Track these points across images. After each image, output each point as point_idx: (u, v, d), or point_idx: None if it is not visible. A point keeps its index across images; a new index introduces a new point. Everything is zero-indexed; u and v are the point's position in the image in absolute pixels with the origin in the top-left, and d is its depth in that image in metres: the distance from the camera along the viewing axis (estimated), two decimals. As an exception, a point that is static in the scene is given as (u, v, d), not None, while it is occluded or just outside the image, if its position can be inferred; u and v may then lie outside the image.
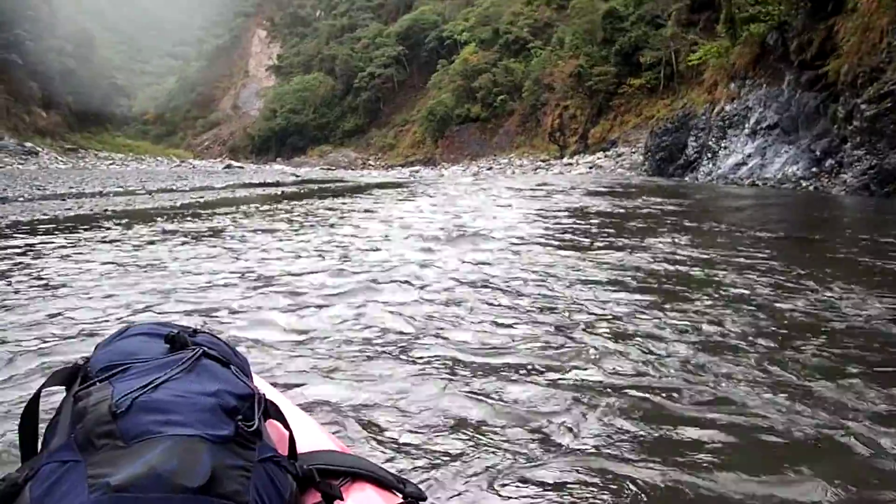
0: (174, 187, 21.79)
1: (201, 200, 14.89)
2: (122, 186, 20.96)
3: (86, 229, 8.61)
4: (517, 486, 1.87)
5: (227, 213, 11.29)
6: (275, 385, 1.87)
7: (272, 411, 1.01)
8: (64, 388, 0.97)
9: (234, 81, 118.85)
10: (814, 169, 21.68)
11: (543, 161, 50.23)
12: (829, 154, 21.38)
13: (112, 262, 5.78)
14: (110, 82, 78.22)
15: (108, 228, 8.68)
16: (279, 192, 18.69)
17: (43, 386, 0.99)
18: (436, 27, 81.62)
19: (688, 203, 13.99)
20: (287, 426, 1.04)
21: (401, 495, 1.03)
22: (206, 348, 1.00)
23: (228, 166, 51.50)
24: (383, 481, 1.05)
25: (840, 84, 17.64)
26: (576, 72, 51.52)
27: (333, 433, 1.66)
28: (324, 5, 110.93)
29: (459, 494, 1.83)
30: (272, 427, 1.00)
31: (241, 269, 5.44)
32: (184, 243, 7.14)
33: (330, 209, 12.33)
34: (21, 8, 55.90)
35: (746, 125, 25.20)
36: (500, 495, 1.83)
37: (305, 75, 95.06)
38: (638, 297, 4.33)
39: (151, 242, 7.27)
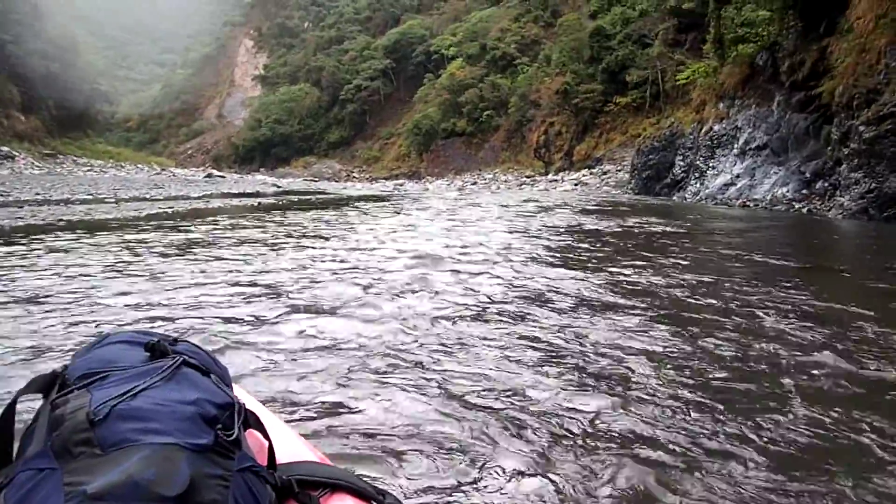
0: (147, 196, 20.78)
1: (170, 211, 13.93)
2: (91, 194, 19.90)
3: (23, 240, 7.65)
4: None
5: (192, 227, 10.36)
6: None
7: (252, 421, 0.98)
8: (41, 395, 0.93)
9: (219, 90, 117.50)
10: (804, 191, 21.19)
11: (528, 177, 49.71)
12: (820, 176, 20.90)
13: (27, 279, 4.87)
14: (93, 87, 76.70)
15: (47, 240, 7.71)
16: (255, 204, 17.76)
17: (20, 393, 0.94)
18: (423, 41, 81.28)
19: (682, 224, 13.29)
20: (267, 436, 1.01)
21: None
22: (186, 357, 0.97)
23: (209, 175, 50.35)
24: (362, 492, 1.03)
25: (835, 105, 17.12)
26: (562, 89, 51.18)
27: (314, 444, 1.47)
28: (312, 17, 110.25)
29: None
30: (252, 437, 0.98)
31: (162, 301, 4.44)
32: (120, 262, 6.21)
33: (303, 225, 11.45)
34: (4, 10, 54.52)
35: (735, 145, 24.72)
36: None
37: (291, 86, 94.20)
38: (649, 323, 3.99)
39: (84, 256, 6.35)
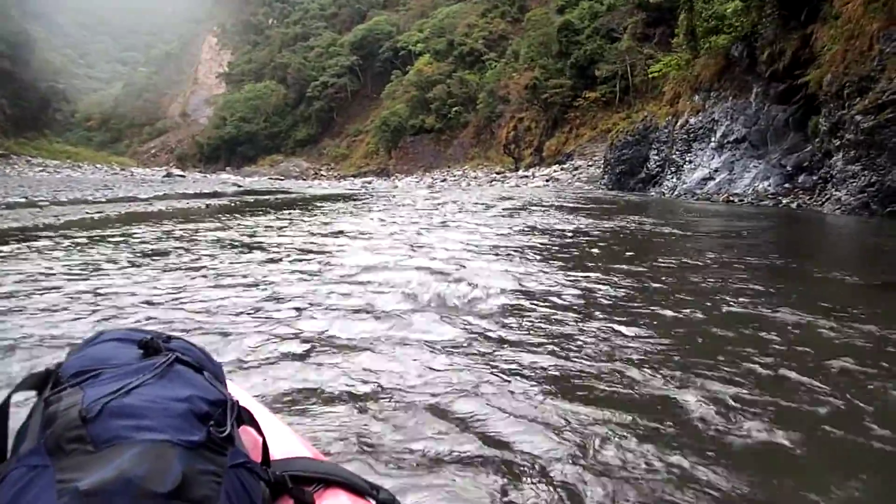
0: (90, 198, 18.84)
1: (97, 217, 12.12)
2: (26, 197, 17.88)
3: None
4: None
5: (114, 234, 8.66)
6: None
7: (246, 417, 0.97)
8: (35, 393, 0.92)
9: (182, 88, 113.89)
10: (786, 185, 20.16)
11: (498, 173, 48.39)
12: (802, 169, 19.89)
13: None
14: (50, 86, 73.19)
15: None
16: (205, 206, 15.93)
17: (13, 391, 0.93)
18: (390, 37, 79.46)
19: (670, 222, 11.98)
20: (261, 432, 1.00)
21: (374, 502, 1.01)
22: (179, 354, 0.96)
23: (168, 175, 47.88)
24: (357, 488, 1.01)
25: (822, 95, 16.00)
26: (531, 84, 49.95)
27: (308, 440, 1.44)
28: (276, 13, 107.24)
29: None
30: (245, 433, 0.98)
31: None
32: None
33: (253, 230, 9.81)
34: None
35: (713, 138, 23.62)
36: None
37: (257, 83, 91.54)
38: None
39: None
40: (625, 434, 2.28)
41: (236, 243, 7.84)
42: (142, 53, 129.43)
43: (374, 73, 78.99)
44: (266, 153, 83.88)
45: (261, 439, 0.99)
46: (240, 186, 32.99)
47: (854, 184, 13.34)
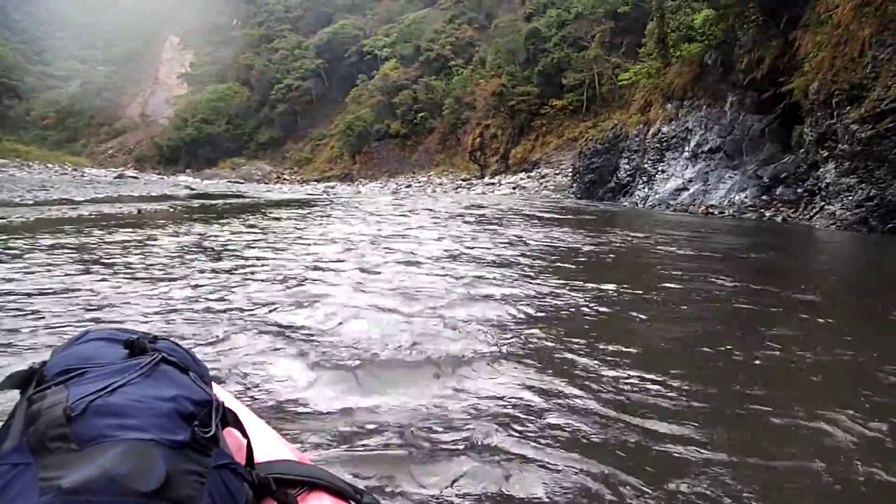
0: (17, 200, 16.75)
1: (6, 220, 10.19)
2: (-62, 197, 15.69)
3: None
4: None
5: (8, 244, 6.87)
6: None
7: (230, 419, 0.94)
8: (19, 391, 0.89)
9: (143, 88, 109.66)
10: (764, 197, 19.17)
11: (464, 180, 46.99)
12: (781, 181, 18.93)
13: None
14: (0, 82, 69.23)
15: None
16: (137, 211, 13.93)
17: None
18: (356, 42, 77.51)
19: (655, 238, 10.64)
20: (245, 434, 0.98)
21: None
22: (165, 354, 0.93)
23: (120, 176, 45.09)
24: (340, 491, 1.01)
25: (809, 103, 14.95)
26: (498, 91, 48.78)
27: (292, 443, 1.47)
28: (241, 14, 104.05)
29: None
30: (230, 435, 0.94)
31: None
32: None
33: (186, 242, 8.09)
34: None
35: (686, 148, 22.59)
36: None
37: (219, 85, 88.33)
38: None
39: None
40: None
41: (115, 261, 6.14)
42: (101, 51, 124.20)
43: (340, 76, 76.88)
44: (228, 156, 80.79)
45: (245, 441, 0.97)
46: (192, 189, 30.74)
47: (850, 198, 12.21)
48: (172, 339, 1.01)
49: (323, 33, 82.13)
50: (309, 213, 15.06)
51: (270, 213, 14.97)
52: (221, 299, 4.56)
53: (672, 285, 5.83)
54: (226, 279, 5.35)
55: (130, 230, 9.46)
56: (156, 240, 8.16)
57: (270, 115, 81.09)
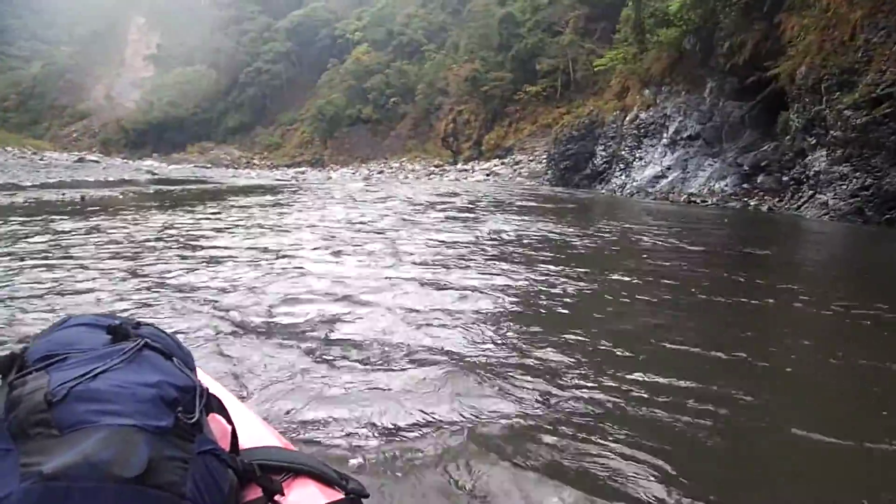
0: (-46, 184, 15.24)
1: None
2: None
3: None
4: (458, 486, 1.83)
5: None
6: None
7: (215, 405, 0.93)
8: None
9: (108, 70, 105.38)
10: (744, 185, 18.54)
11: (437, 166, 45.89)
12: (761, 169, 18.32)
13: None
14: (-46, 62, 65.84)
15: None
16: (80, 198, 12.54)
17: None
18: (327, 25, 75.41)
19: (640, 227, 9.81)
20: (230, 421, 0.97)
21: (343, 491, 0.98)
22: (148, 340, 0.91)
23: (80, 160, 42.91)
24: (325, 477, 0.99)
25: (796, 88, 14.24)
26: (471, 76, 47.65)
27: (278, 429, 1.40)
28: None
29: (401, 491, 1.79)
30: (215, 422, 0.93)
31: None
32: None
33: (98, 234, 6.98)
34: None
35: (665, 135, 21.85)
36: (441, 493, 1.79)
37: (187, 67, 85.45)
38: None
39: None
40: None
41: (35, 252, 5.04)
42: (65, 32, 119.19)
43: (311, 60, 74.75)
44: (196, 140, 78.22)
45: (230, 427, 0.96)
46: (154, 175, 29.09)
47: (843, 187, 11.52)
48: (153, 324, 0.96)
49: (294, 16, 79.78)
50: (270, 203, 13.89)
51: (229, 200, 13.75)
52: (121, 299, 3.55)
53: (665, 280, 4.98)
54: (139, 283, 4.30)
55: (60, 219, 8.26)
56: (83, 232, 7.01)
57: (240, 99, 78.67)
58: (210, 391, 0.91)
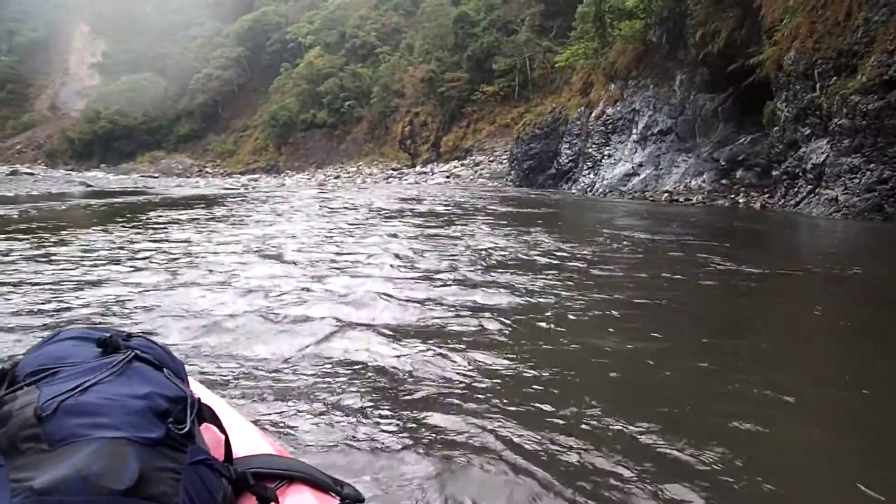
0: None
1: None
2: None
3: None
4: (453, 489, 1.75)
5: None
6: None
7: (207, 415, 0.92)
8: None
9: (51, 79, 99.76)
10: (723, 181, 17.12)
11: (395, 170, 43.81)
12: (739, 163, 16.94)
13: None
14: None
15: None
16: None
17: None
18: (279, 29, 72.24)
19: (626, 231, 8.07)
20: (223, 430, 0.96)
21: (338, 497, 0.97)
22: (138, 352, 0.90)
23: (13, 173, 39.41)
24: (320, 483, 0.98)
25: (785, 75, 12.78)
26: (427, 77, 45.75)
27: (271, 437, 1.33)
28: (155, 0, 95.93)
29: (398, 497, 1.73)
30: (208, 431, 0.93)
31: None
32: None
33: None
34: None
35: (634, 130, 20.36)
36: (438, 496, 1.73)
37: (134, 75, 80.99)
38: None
39: None
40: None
41: None
42: (4, 41, 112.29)
43: (262, 65, 71.50)
44: (146, 149, 74.05)
45: (223, 436, 0.94)
46: (89, 186, 26.22)
47: (855, 180, 10.02)
48: (144, 336, 0.94)
49: (243, 20, 76.32)
50: (207, 214, 11.68)
51: (158, 215, 11.49)
52: None
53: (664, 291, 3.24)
54: None
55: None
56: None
57: (190, 107, 74.74)
58: (202, 401, 0.87)
